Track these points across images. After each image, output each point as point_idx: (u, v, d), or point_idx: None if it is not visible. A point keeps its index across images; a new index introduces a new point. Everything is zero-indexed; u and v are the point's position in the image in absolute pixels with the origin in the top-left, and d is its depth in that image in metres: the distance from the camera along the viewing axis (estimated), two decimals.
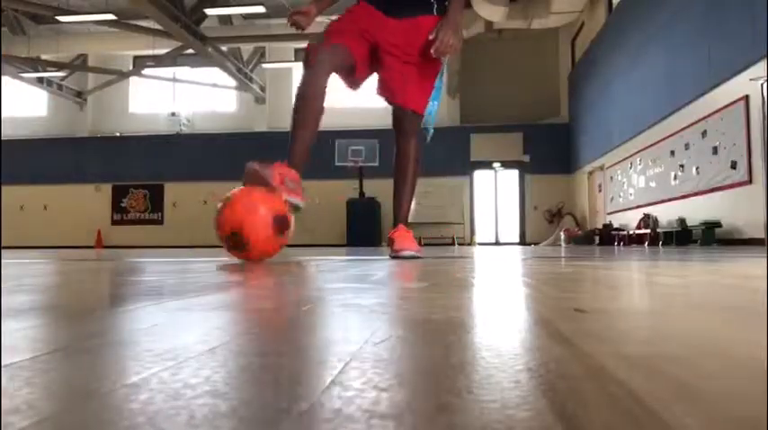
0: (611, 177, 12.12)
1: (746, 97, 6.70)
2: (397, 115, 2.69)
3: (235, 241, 1.98)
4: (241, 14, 14.25)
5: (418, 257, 2.52)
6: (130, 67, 16.65)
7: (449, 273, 1.39)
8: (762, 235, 6.24)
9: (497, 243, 15.27)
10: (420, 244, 3.03)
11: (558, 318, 0.55)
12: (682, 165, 8.55)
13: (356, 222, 12.72)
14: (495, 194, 15.65)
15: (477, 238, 15.04)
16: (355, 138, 12.72)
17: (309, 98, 2.45)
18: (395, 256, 2.53)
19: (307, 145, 2.45)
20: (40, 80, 15.96)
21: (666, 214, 9.10)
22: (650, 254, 3.50)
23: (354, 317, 0.60)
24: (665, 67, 8.86)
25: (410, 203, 2.75)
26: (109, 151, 16.53)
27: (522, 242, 15.12)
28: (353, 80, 2.66)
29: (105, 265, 2.07)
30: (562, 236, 13.38)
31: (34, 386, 0.30)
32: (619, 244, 10.39)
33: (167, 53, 14.56)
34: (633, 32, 10.22)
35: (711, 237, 7.29)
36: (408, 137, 2.69)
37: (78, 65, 16.65)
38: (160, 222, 16.34)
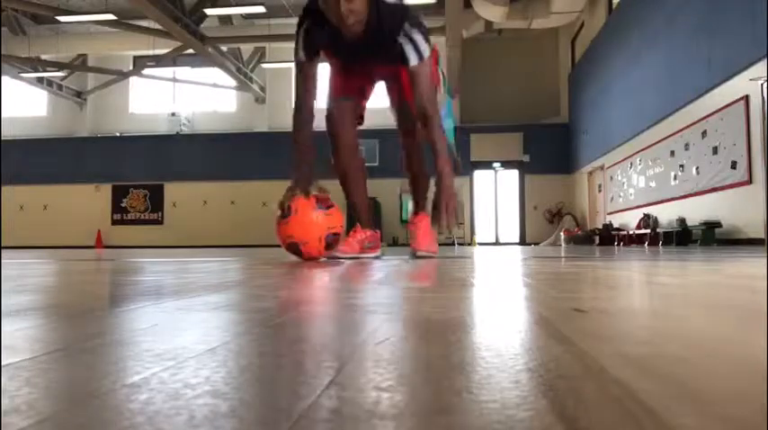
0: (611, 177, 12.12)
1: (746, 97, 6.70)
2: (399, 115, 2.79)
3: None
4: (241, 14, 14.26)
5: (432, 257, 2.65)
6: (130, 67, 16.64)
7: (449, 272, 1.39)
8: (762, 235, 6.24)
9: (497, 243, 15.27)
10: None
11: (558, 318, 0.55)
12: (682, 166, 8.56)
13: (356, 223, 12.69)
14: (495, 194, 15.65)
15: (477, 238, 15.04)
16: None
17: (349, 162, 2.70)
18: (416, 256, 2.64)
19: (364, 199, 2.77)
20: (40, 80, 15.97)
21: (666, 214, 9.10)
22: (650, 254, 3.50)
23: (354, 316, 0.60)
24: (665, 67, 8.86)
25: (425, 190, 2.86)
26: (109, 151, 16.54)
27: (522, 242, 15.13)
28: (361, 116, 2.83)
29: (105, 265, 2.07)
30: (562, 236, 13.38)
31: (34, 386, 0.30)
32: (619, 244, 10.39)
33: (167, 53, 14.56)
34: (633, 32, 10.22)
35: (711, 237, 7.29)
36: (412, 135, 2.79)
37: (78, 65, 16.65)
38: (160, 222, 16.34)
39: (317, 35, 2.37)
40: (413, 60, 2.33)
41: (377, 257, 2.65)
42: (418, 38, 2.33)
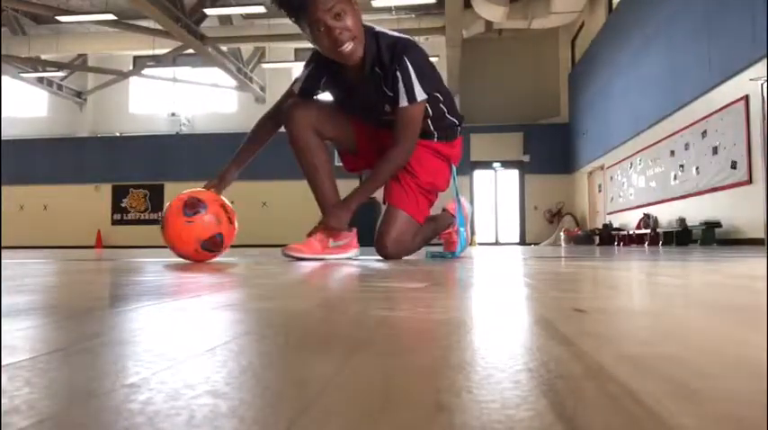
0: (611, 177, 12.12)
1: (746, 97, 6.70)
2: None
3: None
4: (241, 14, 14.26)
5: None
6: (130, 67, 16.65)
7: (449, 273, 1.39)
8: (762, 235, 6.24)
9: (497, 243, 15.27)
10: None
11: (558, 318, 0.55)
12: (682, 165, 8.56)
13: (355, 222, 12.70)
14: (495, 194, 15.65)
15: (477, 238, 15.04)
16: None
17: (310, 159, 2.47)
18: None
19: (330, 195, 2.50)
20: (40, 80, 15.97)
21: (666, 214, 9.10)
22: (650, 254, 3.50)
23: (354, 316, 0.60)
24: (665, 66, 8.87)
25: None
26: (109, 151, 16.54)
27: (522, 242, 15.13)
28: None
29: (105, 265, 2.07)
30: (562, 236, 13.38)
31: (34, 386, 0.30)
32: (619, 244, 10.39)
33: (167, 53, 14.56)
34: (633, 32, 10.23)
35: (711, 237, 7.29)
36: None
37: (78, 65, 16.66)
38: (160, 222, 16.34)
39: (319, 77, 2.35)
40: (402, 101, 2.17)
41: (348, 258, 2.42)
42: (413, 78, 2.14)
